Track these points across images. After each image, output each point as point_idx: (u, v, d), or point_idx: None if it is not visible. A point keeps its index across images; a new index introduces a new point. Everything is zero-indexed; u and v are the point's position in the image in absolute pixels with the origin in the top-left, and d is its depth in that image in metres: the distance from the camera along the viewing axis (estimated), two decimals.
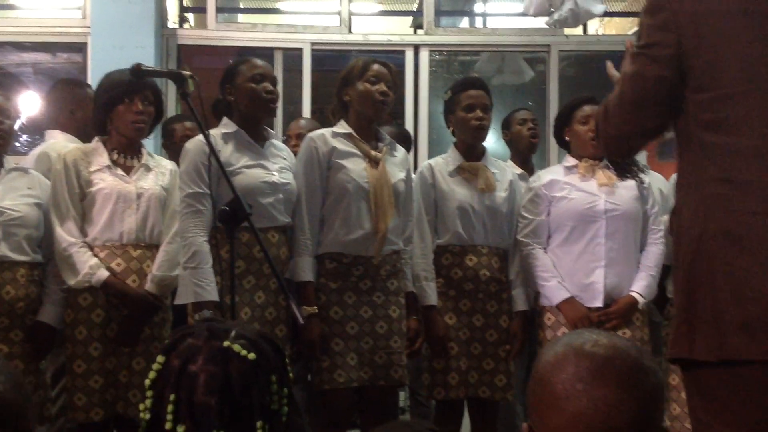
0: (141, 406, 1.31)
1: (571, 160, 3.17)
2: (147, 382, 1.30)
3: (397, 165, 2.98)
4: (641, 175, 3.18)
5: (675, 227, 1.76)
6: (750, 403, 1.58)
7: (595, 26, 6.09)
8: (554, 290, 3.03)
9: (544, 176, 3.19)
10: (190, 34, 5.52)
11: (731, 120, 1.63)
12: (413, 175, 3.19)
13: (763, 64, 1.61)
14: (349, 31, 5.45)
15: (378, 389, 2.85)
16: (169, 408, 1.25)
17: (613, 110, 1.77)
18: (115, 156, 2.89)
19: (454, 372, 3.03)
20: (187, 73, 2.41)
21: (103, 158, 2.86)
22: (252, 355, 1.27)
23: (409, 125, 5.29)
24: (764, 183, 1.60)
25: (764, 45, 1.62)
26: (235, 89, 2.84)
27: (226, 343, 1.28)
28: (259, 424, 1.26)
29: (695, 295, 1.65)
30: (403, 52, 5.43)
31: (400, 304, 2.91)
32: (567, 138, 3.21)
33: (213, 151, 2.43)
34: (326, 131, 2.92)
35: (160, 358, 1.30)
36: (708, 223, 1.64)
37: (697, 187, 1.68)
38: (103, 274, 2.76)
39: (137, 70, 2.46)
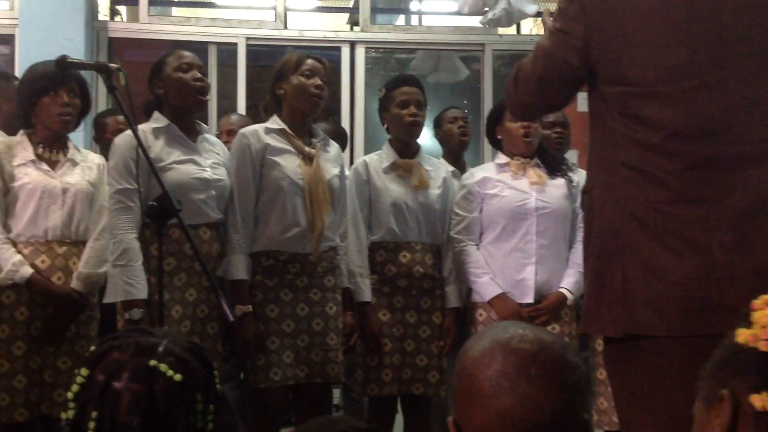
0: (63, 415, 1.28)
1: (503, 158, 3.20)
2: (70, 394, 1.27)
3: (331, 161, 2.97)
4: (570, 174, 3.24)
5: (586, 204, 1.81)
6: (665, 387, 1.63)
7: (528, 26, 6.18)
8: (486, 286, 3.06)
9: (476, 174, 3.22)
10: (122, 27, 5.41)
11: (642, 118, 1.67)
12: (348, 172, 3.19)
13: (671, 65, 1.65)
14: (285, 27, 5.41)
15: (313, 387, 2.84)
16: (91, 425, 1.23)
17: (523, 78, 1.84)
18: (40, 150, 2.81)
19: (388, 368, 3.03)
20: (114, 66, 2.37)
21: (27, 152, 2.78)
22: (178, 376, 1.25)
23: (345, 122, 5.28)
24: (670, 177, 1.64)
25: (671, 45, 1.65)
26: (162, 81, 2.79)
27: (152, 362, 1.25)
28: None
29: (605, 272, 1.70)
30: (339, 49, 5.42)
31: (336, 300, 2.90)
32: (499, 136, 3.25)
33: (142, 146, 2.38)
34: (259, 127, 2.89)
35: (84, 371, 1.27)
36: (619, 205, 1.69)
37: (609, 169, 1.73)
38: (27, 271, 2.68)
39: (63, 62, 2.40)
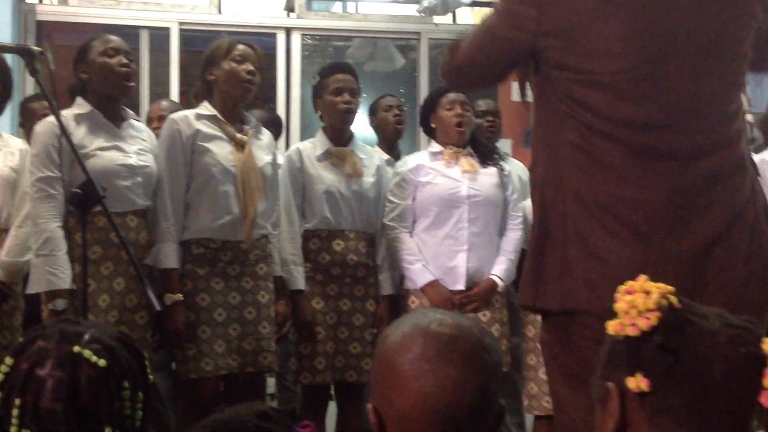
0: None
1: (436, 147, 3.23)
2: None
3: (263, 148, 2.94)
4: (502, 163, 3.29)
5: (531, 182, 1.85)
6: (589, 360, 1.66)
7: (464, 15, 6.21)
8: (419, 273, 3.08)
9: (410, 161, 3.24)
10: (51, 10, 5.25)
11: (588, 104, 1.69)
12: (281, 160, 3.16)
13: (620, 56, 1.67)
14: (219, 12, 5.33)
15: (246, 376, 2.82)
16: (15, 412, 1.21)
17: (463, 51, 1.85)
18: None
19: (321, 356, 3.03)
20: (37, 49, 2.30)
21: None
22: (103, 362, 1.24)
23: (281, 110, 5.24)
24: (614, 161, 1.67)
25: (622, 36, 1.67)
26: (87, 66, 2.72)
27: (76, 348, 1.24)
28: (107, 430, 1.23)
29: (546, 247, 1.73)
30: (274, 35, 5.36)
31: (269, 289, 2.88)
32: (433, 125, 3.27)
33: (64, 132, 2.32)
34: (189, 113, 2.85)
35: (8, 361, 1.25)
36: (563, 183, 1.72)
37: (554, 147, 1.75)
38: None
39: None
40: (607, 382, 1.01)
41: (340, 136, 3.19)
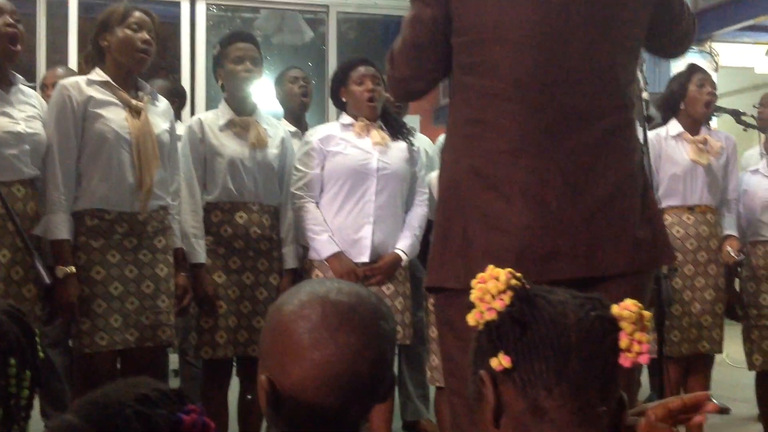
0: None
1: (347, 119, 3.20)
2: None
3: (160, 115, 2.84)
4: (411, 138, 3.29)
5: (439, 161, 1.87)
6: None
7: None
8: (324, 244, 3.06)
9: (320, 131, 3.21)
10: None
11: (486, 64, 1.71)
12: (181, 130, 3.08)
13: (520, 15, 1.68)
14: None
15: (145, 351, 2.74)
16: None
17: (397, 54, 1.83)
18: None
19: (223, 331, 2.98)
20: None
21: None
22: None
23: (185, 81, 5.11)
24: (511, 125, 1.69)
25: None
26: None
27: None
28: None
29: (449, 227, 1.75)
30: (178, 5, 5.23)
31: (168, 262, 2.80)
32: (343, 98, 3.24)
33: None
34: (80, 79, 2.72)
35: None
36: (461, 161, 1.74)
37: (456, 127, 1.78)
38: None
39: None
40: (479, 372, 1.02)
41: (243, 106, 3.12)
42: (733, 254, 3.29)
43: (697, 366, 3.37)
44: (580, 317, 0.98)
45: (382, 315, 1.13)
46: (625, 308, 0.98)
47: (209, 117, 3.11)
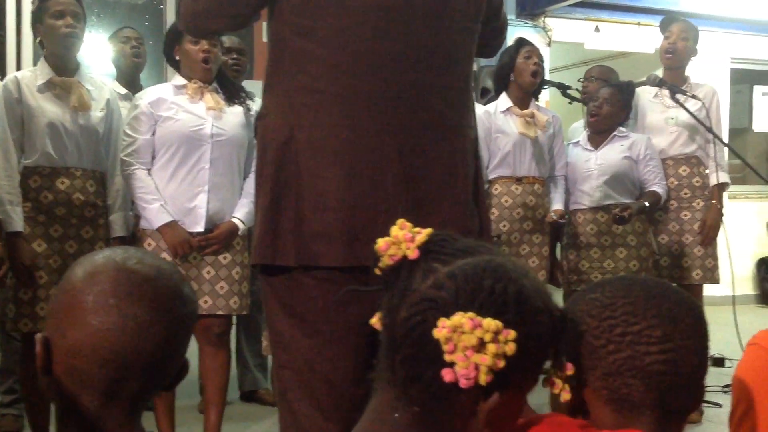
0: None
1: (180, 80, 3.07)
2: None
3: None
4: (249, 102, 3.21)
5: (260, 132, 1.75)
6: (326, 310, 1.65)
7: None
8: (156, 213, 2.94)
9: (150, 93, 3.05)
10: None
11: (321, 31, 1.64)
12: None
13: None
14: None
15: None
16: None
17: None
18: None
19: (43, 302, 2.83)
20: None
21: None
22: None
23: (10, 36, 4.77)
24: (347, 96, 1.64)
25: None
26: None
27: None
28: None
29: (281, 202, 1.67)
30: None
31: None
32: (177, 57, 3.11)
33: None
34: None
35: None
36: (294, 132, 1.66)
37: (287, 94, 1.68)
38: None
39: None
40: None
41: (64, 64, 2.93)
42: (555, 217, 3.46)
43: None
44: (406, 317, 0.93)
45: (180, 296, 1.07)
46: (457, 325, 0.87)
47: (27, 75, 2.92)
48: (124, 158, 2.98)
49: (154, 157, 3.01)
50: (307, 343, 1.69)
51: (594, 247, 3.54)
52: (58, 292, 1.06)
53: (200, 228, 3.00)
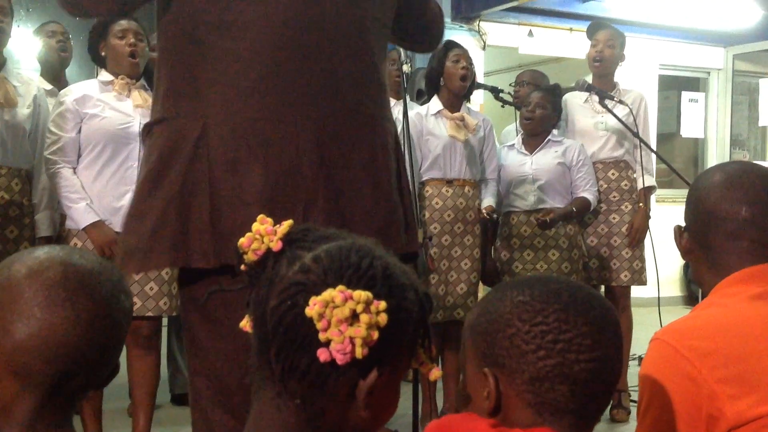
0: None
1: (106, 76, 3.02)
2: None
3: None
4: None
5: (163, 134, 1.68)
6: (231, 303, 1.60)
7: None
8: (81, 213, 2.89)
9: (75, 90, 3.00)
10: None
11: (237, 24, 1.61)
12: None
13: None
14: None
15: None
16: None
17: None
18: None
19: None
20: None
21: None
22: None
23: None
24: (263, 89, 1.61)
25: None
26: None
27: None
28: None
29: (190, 200, 1.62)
30: None
31: None
32: (103, 53, 3.05)
33: None
34: None
35: None
36: (208, 129, 1.61)
37: (197, 90, 1.63)
38: None
39: None
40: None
41: None
42: (485, 213, 3.50)
43: (452, 333, 3.56)
44: (275, 304, 0.92)
45: (123, 290, 1.07)
46: (328, 300, 0.87)
47: None
48: (49, 156, 2.92)
49: (80, 156, 2.95)
50: (223, 348, 1.65)
51: (527, 249, 3.59)
52: None
53: None
